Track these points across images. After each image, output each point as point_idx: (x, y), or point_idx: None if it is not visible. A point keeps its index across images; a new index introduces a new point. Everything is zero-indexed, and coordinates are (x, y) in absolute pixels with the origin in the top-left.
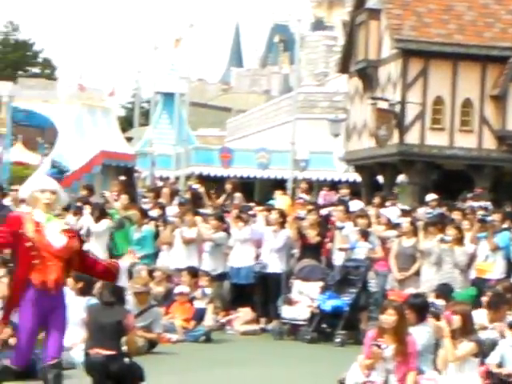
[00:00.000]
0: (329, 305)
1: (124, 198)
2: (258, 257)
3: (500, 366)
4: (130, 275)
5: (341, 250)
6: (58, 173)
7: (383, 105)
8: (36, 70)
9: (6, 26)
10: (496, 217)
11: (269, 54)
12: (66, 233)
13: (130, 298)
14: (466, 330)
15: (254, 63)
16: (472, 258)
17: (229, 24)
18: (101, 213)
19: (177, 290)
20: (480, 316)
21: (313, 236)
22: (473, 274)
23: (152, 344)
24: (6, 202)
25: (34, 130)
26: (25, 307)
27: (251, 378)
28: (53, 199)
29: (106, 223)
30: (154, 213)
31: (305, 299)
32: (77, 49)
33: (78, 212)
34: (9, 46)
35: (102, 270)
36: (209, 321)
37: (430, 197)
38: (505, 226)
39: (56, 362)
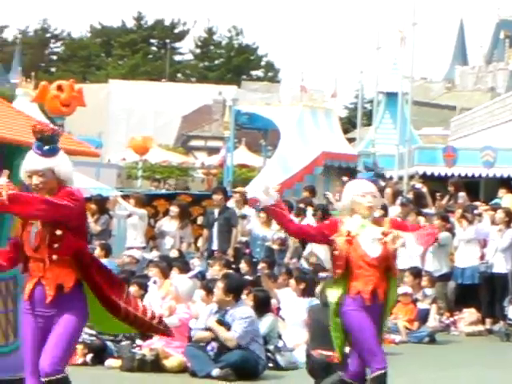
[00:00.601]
0: None
1: None
2: (483, 256)
3: None
4: None
5: None
6: (374, 176)
7: None
8: (259, 73)
9: (229, 30)
10: None
11: (494, 50)
12: (380, 240)
13: None
14: None
15: (479, 60)
16: None
17: (453, 21)
18: (323, 214)
19: (400, 290)
20: None
21: None
22: None
23: None
24: (230, 204)
25: (257, 133)
26: (356, 315)
27: (478, 380)
28: (373, 203)
29: None
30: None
31: None
32: (299, 51)
33: (301, 214)
34: (232, 50)
35: None
36: (432, 322)
37: None
38: None
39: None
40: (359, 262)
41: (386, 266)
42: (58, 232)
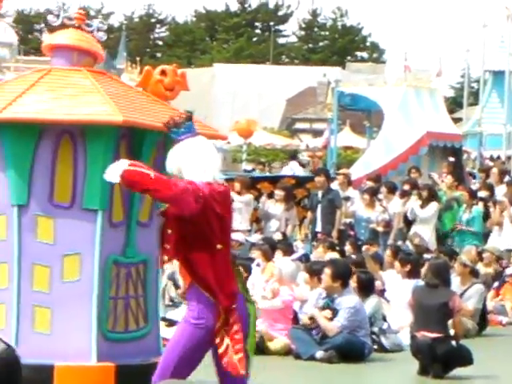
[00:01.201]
0: None
1: (449, 179)
2: None
3: None
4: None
5: None
6: None
7: None
8: (364, 54)
9: (333, 12)
10: None
11: None
12: None
13: (454, 280)
14: None
15: None
16: None
17: None
18: (429, 194)
19: (508, 271)
20: None
21: None
22: None
23: (481, 326)
24: (334, 186)
25: (362, 114)
26: None
27: None
28: None
29: (433, 207)
30: (483, 193)
31: None
32: (403, 30)
33: (405, 194)
34: (337, 31)
35: None
36: None
37: None
38: None
39: None
40: None
41: None
42: (169, 231)
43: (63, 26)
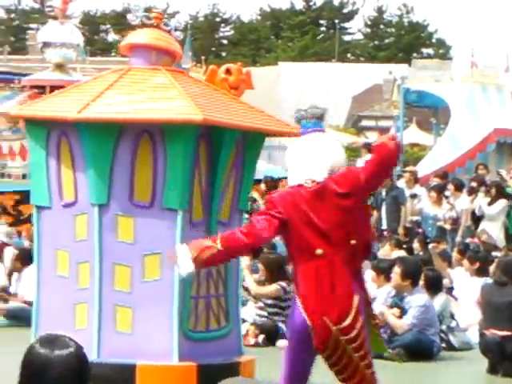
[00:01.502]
0: None
1: None
2: None
3: None
4: None
5: None
6: None
7: None
8: (430, 51)
9: (399, 8)
10: None
11: None
12: None
13: None
14: None
15: None
16: None
17: None
18: (497, 191)
19: None
20: None
21: None
22: None
23: None
24: (400, 183)
25: (427, 111)
26: None
27: None
28: None
29: (501, 204)
30: None
31: None
32: (470, 26)
33: (473, 191)
34: (402, 28)
35: None
36: None
37: None
38: None
39: None
40: None
41: None
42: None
43: (142, 25)
